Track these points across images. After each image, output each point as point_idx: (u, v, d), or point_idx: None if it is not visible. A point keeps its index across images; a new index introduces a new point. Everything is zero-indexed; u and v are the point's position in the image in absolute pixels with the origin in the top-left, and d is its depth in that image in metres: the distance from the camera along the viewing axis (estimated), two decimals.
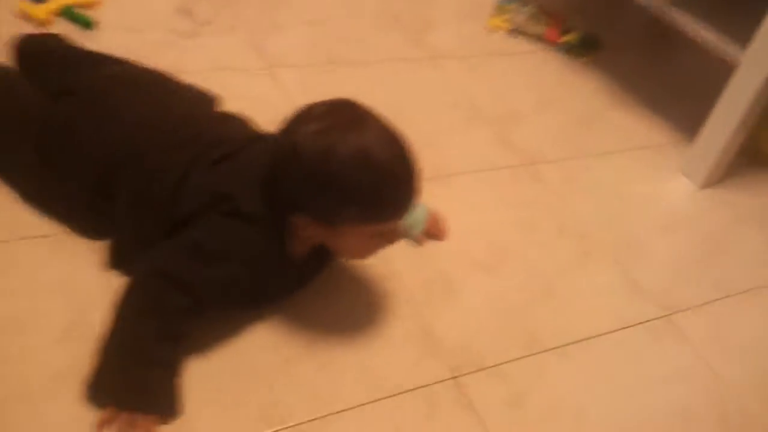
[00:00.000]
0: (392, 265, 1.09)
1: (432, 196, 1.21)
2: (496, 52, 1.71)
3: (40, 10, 1.38)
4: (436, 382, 0.95)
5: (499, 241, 1.20)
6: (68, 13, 1.41)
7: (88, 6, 1.46)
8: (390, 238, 0.92)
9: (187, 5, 1.52)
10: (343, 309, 1.02)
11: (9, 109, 1.06)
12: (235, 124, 1.06)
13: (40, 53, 1.19)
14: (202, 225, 0.88)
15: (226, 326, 0.94)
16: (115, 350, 0.82)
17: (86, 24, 1.41)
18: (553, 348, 1.05)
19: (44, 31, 1.35)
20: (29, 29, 1.32)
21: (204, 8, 1.53)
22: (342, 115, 0.88)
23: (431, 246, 1.15)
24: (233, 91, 1.33)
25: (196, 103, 1.09)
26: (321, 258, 0.99)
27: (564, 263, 1.20)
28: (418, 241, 1.14)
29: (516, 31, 1.79)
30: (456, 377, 0.97)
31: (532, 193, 1.33)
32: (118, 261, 0.96)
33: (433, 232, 1.16)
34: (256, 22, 1.58)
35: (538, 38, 1.78)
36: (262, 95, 1.38)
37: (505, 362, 1.01)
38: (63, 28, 1.38)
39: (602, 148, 1.49)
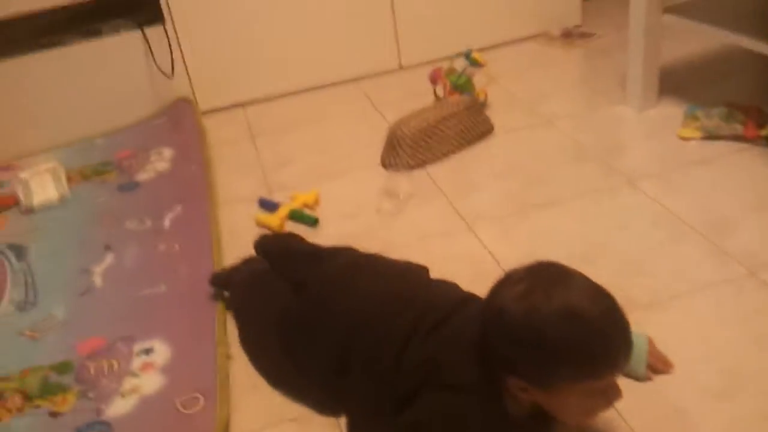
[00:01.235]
0: (617, 404, 1.07)
1: (650, 325, 1.20)
2: (694, 161, 1.67)
3: (274, 218, 1.64)
4: None
5: (732, 363, 1.13)
6: (296, 215, 1.66)
7: (311, 206, 1.70)
8: (611, 395, 0.92)
9: (390, 186, 1.70)
10: None
11: (260, 305, 1.27)
12: (446, 288, 1.15)
13: (277, 252, 1.41)
14: (421, 404, 0.94)
15: None
16: None
17: (312, 222, 1.64)
18: None
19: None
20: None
21: (405, 185, 1.70)
22: (543, 275, 0.93)
23: (656, 379, 1.12)
24: (440, 255, 1.46)
25: (410, 274, 1.21)
26: (544, 418, 1.00)
27: None
28: (643, 377, 1.11)
29: (710, 136, 1.74)
30: None
31: (761, 303, 1.24)
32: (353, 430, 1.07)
33: (657, 365, 1.12)
34: (452, 187, 1.72)
35: (736, 138, 1.71)
36: (466, 253, 1.48)
37: None
38: (293, 229, 1.62)
39: None
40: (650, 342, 1.14)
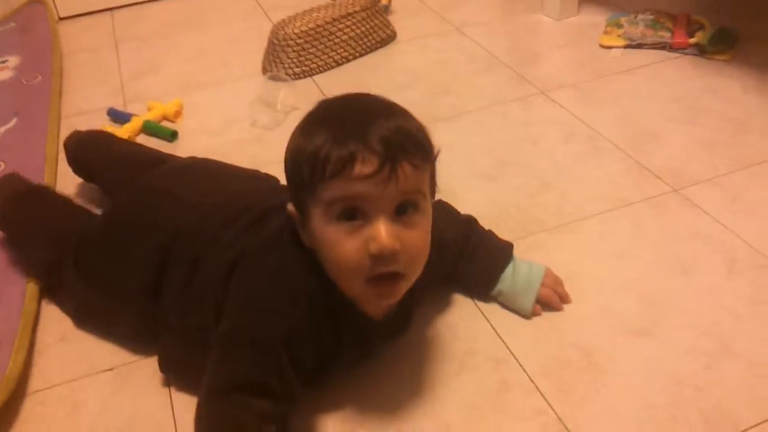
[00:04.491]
0: (508, 344, 0.87)
1: (557, 248, 1.01)
2: (615, 70, 1.47)
3: (123, 132, 1.35)
4: None
5: (653, 292, 0.94)
6: (151, 128, 1.38)
7: (171, 118, 1.42)
8: (366, 233, 0.67)
9: (267, 96, 1.43)
10: (452, 412, 0.80)
11: (48, 229, 1.01)
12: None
13: (96, 155, 1.16)
14: (230, 310, 0.75)
15: None
16: None
17: (169, 135, 1.37)
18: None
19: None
20: None
21: (285, 94, 1.43)
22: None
23: (558, 316, 0.92)
24: None
25: (253, 182, 0.98)
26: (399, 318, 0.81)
27: (741, 311, 0.90)
28: (528, 312, 0.91)
29: (634, 45, 1.54)
30: None
31: (686, 223, 1.05)
32: (168, 366, 0.85)
33: (551, 299, 0.91)
34: None
35: (663, 46, 1.52)
36: None
37: None
38: (148, 143, 1.34)
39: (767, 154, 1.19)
40: (548, 273, 0.93)
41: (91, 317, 0.94)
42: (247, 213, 0.84)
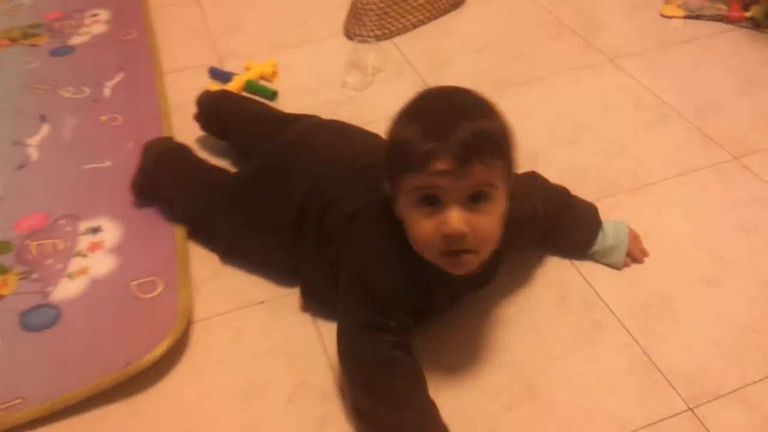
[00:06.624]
0: (597, 290, 1.04)
1: (633, 209, 1.15)
2: (677, 41, 1.59)
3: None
4: (671, 416, 0.88)
5: (719, 248, 1.10)
6: (252, 87, 1.52)
7: (268, 77, 1.56)
8: (440, 219, 0.79)
9: (356, 58, 1.56)
10: (555, 344, 0.98)
11: (199, 177, 1.18)
12: None
13: (232, 113, 1.31)
14: (346, 255, 0.92)
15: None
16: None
17: (270, 95, 1.50)
18: None
19: None
20: None
21: (373, 57, 1.56)
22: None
23: (638, 267, 1.08)
24: None
25: (375, 139, 1.12)
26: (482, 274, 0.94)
27: None
28: (620, 265, 1.07)
29: (693, 16, 1.65)
30: (693, 408, 0.89)
31: (746, 189, 1.20)
32: (308, 293, 1.04)
33: (635, 253, 1.08)
34: (423, 60, 1.59)
35: (720, 18, 1.63)
36: None
37: (746, 386, 0.91)
38: None
39: None
40: (630, 230, 1.09)
41: (241, 251, 1.11)
42: (370, 169, 0.98)
